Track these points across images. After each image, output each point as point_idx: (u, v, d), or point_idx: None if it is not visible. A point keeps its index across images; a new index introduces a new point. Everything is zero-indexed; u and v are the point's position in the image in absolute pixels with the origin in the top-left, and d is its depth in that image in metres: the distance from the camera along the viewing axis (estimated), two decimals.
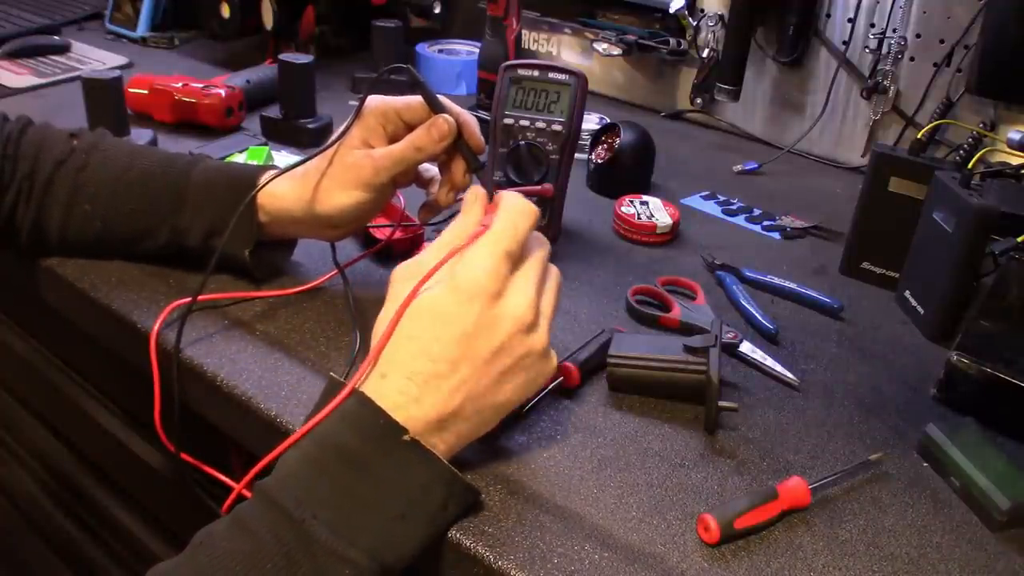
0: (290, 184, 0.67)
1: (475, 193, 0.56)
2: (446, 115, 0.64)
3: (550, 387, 0.61)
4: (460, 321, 0.49)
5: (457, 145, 0.66)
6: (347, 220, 0.67)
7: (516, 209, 0.52)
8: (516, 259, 0.51)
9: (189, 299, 0.66)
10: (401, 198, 0.80)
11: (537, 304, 0.51)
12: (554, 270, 0.55)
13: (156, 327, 0.64)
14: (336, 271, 0.72)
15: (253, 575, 0.43)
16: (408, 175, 0.68)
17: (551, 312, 0.53)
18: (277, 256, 0.73)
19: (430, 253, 0.53)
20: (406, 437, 0.47)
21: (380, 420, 0.48)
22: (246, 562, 0.44)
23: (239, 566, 0.44)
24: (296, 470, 0.48)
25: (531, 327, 0.50)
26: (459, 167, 0.67)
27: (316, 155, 0.66)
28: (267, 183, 0.66)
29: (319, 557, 0.44)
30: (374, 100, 0.66)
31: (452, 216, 0.81)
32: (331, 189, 0.65)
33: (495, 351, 0.49)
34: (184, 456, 0.64)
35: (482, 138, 0.67)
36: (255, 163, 0.90)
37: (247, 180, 0.68)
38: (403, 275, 0.53)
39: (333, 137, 0.66)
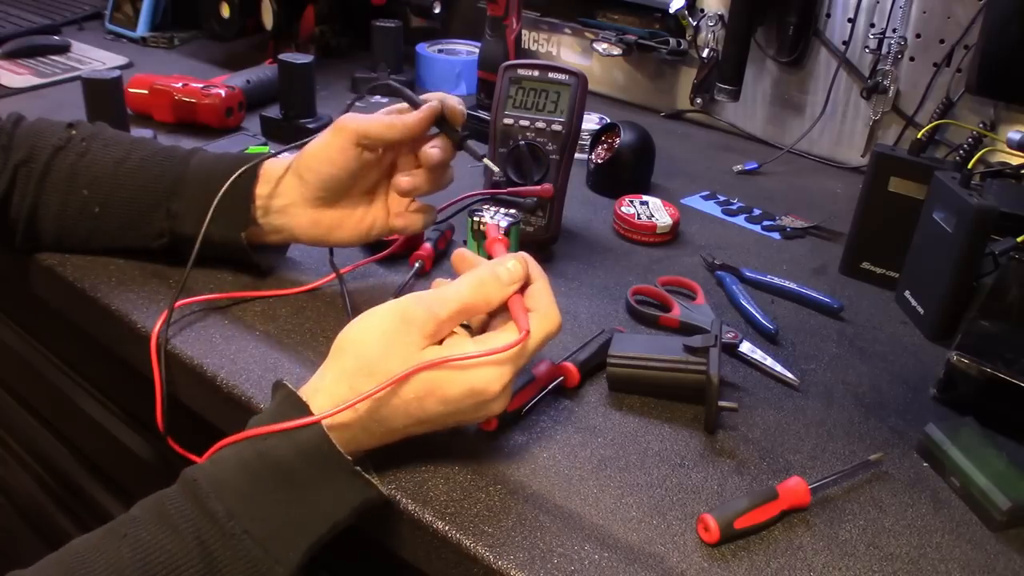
0: (284, 181, 0.69)
1: (523, 259, 0.55)
2: (423, 108, 0.66)
3: (550, 387, 0.61)
4: (454, 406, 0.51)
5: (439, 126, 0.67)
6: (320, 166, 0.66)
7: (550, 332, 0.53)
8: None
9: (189, 299, 0.66)
10: None
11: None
12: None
13: (157, 327, 0.64)
14: (334, 275, 0.72)
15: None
16: (377, 147, 0.68)
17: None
18: (271, 254, 0.73)
19: (450, 296, 0.52)
20: (348, 467, 0.49)
21: (329, 450, 0.48)
22: (167, 562, 0.44)
23: (160, 566, 0.44)
24: (232, 478, 0.47)
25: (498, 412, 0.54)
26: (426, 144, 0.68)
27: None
28: (270, 156, 0.68)
29: (243, 570, 0.45)
30: (348, 120, 0.66)
31: (446, 220, 0.81)
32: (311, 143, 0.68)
33: (459, 421, 0.53)
34: (183, 452, 0.63)
35: (462, 109, 0.68)
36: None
37: (247, 163, 0.68)
38: (417, 309, 0.51)
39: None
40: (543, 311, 0.53)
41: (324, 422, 0.48)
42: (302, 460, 0.48)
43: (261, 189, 0.68)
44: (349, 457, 0.49)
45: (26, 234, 0.71)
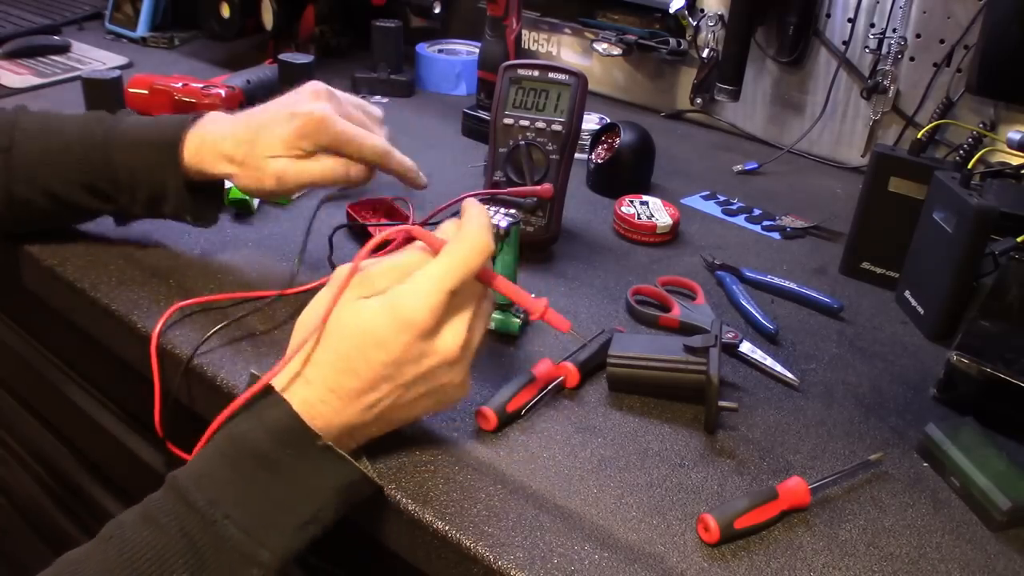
0: (212, 155, 0.68)
1: (474, 210, 0.53)
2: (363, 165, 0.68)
3: (550, 387, 0.61)
4: (391, 348, 0.49)
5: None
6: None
7: (472, 246, 0.50)
8: (462, 300, 0.51)
9: (189, 301, 0.66)
10: (410, 206, 0.81)
11: (470, 341, 0.52)
12: (485, 304, 0.54)
13: (157, 328, 0.64)
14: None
15: (160, 570, 0.44)
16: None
17: (476, 345, 0.53)
18: (212, 205, 0.74)
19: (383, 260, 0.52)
20: (320, 443, 0.49)
21: (297, 426, 0.48)
22: (154, 557, 0.45)
23: (147, 562, 0.44)
24: (211, 469, 0.48)
25: (456, 362, 0.51)
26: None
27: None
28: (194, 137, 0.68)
29: (228, 556, 0.46)
30: (320, 128, 0.66)
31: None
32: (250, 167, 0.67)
33: (417, 378, 0.50)
34: (181, 454, 0.63)
35: (409, 169, 0.72)
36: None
37: (168, 145, 0.68)
38: (344, 275, 0.51)
39: (264, 115, 0.68)
40: (465, 227, 0.51)
41: (287, 397, 0.49)
42: (273, 440, 0.48)
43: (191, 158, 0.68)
44: (320, 434, 0.49)
45: None
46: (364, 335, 0.49)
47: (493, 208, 0.68)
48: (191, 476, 0.48)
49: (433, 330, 0.49)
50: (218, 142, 0.67)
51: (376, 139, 0.69)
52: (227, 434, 0.49)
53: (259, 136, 0.66)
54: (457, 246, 0.50)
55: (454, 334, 0.51)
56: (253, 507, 0.47)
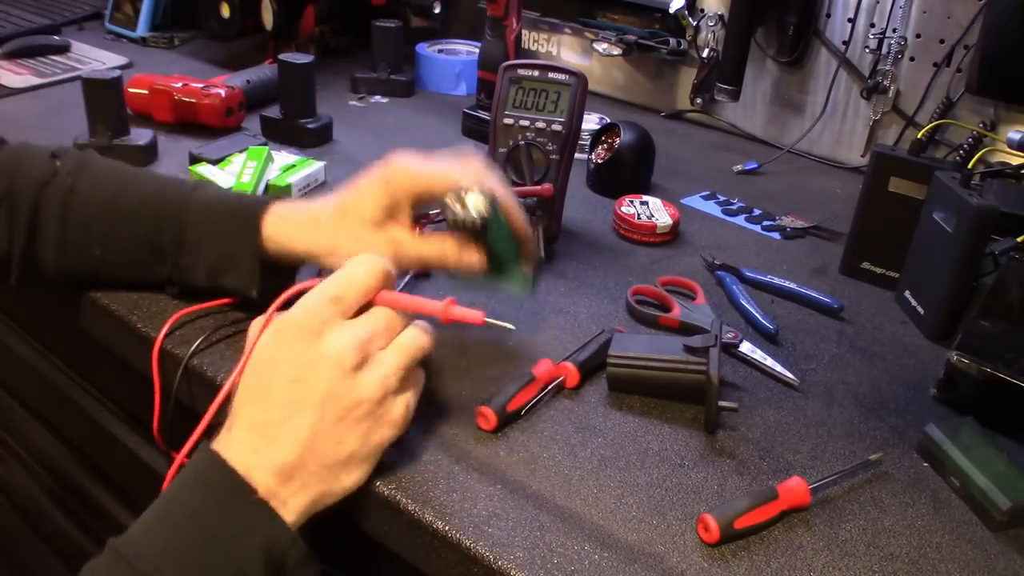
0: (297, 228, 0.63)
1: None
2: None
3: (550, 387, 0.61)
4: (283, 363, 0.49)
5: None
6: None
7: (358, 261, 0.53)
8: (346, 306, 0.51)
9: (192, 307, 0.66)
10: None
11: (365, 348, 0.50)
12: (409, 331, 0.53)
13: (160, 336, 0.64)
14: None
15: None
16: None
17: (396, 363, 0.51)
18: (281, 282, 0.67)
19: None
20: (255, 497, 0.48)
21: (227, 478, 0.48)
22: None
23: None
24: (147, 523, 0.48)
25: (355, 369, 0.50)
26: None
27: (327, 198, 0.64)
28: (274, 199, 0.65)
29: None
30: (401, 172, 0.62)
31: None
32: (344, 244, 0.62)
33: (323, 398, 0.49)
34: (180, 458, 0.63)
35: (537, 250, 0.71)
36: (249, 193, 0.86)
37: (248, 214, 0.63)
38: (256, 328, 0.53)
39: (345, 190, 0.64)
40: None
41: (214, 447, 0.49)
42: (201, 491, 0.48)
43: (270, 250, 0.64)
44: (248, 477, 0.48)
45: (25, 273, 0.66)
46: (261, 361, 0.51)
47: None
48: (129, 532, 0.47)
49: (316, 333, 0.50)
50: (306, 207, 0.64)
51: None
52: (169, 487, 0.49)
53: (349, 200, 0.63)
54: (346, 266, 0.53)
55: (342, 335, 0.50)
56: (182, 563, 0.46)
